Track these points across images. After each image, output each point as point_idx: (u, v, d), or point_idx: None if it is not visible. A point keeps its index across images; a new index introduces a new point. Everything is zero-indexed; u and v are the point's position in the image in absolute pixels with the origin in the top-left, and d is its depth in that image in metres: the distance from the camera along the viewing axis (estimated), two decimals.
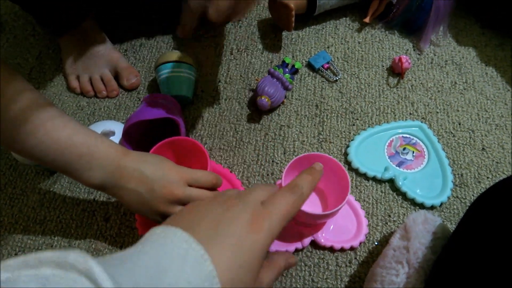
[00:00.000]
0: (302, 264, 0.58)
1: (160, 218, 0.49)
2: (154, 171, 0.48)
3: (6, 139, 0.46)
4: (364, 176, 0.66)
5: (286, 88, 0.71)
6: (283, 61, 0.73)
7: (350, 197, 0.62)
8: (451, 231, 0.51)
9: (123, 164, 0.48)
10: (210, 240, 0.29)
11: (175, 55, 0.71)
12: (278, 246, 0.58)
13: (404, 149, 0.68)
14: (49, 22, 0.74)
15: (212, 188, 0.51)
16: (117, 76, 0.76)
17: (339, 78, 0.77)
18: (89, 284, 0.21)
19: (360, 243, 0.59)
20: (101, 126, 0.64)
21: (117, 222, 0.62)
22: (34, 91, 0.47)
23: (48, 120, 0.46)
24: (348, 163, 0.67)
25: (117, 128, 0.67)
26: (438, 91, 0.76)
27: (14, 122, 0.44)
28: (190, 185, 0.49)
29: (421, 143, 0.69)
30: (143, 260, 0.26)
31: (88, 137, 0.48)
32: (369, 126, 0.71)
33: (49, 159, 0.46)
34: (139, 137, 0.65)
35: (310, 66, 0.79)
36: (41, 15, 0.73)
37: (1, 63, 0.45)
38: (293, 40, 0.83)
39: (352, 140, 0.69)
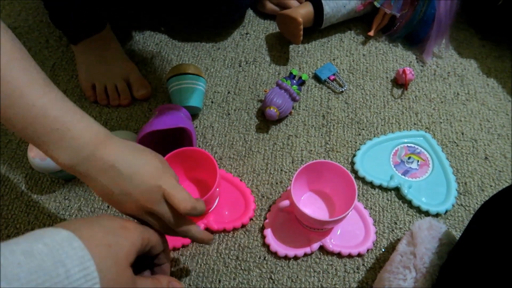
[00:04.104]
0: (311, 270, 0.60)
1: (130, 217, 0.47)
2: (133, 174, 0.43)
3: None
4: (371, 184, 0.67)
5: (294, 99, 0.73)
6: (290, 73, 0.76)
7: (359, 205, 0.64)
8: (456, 237, 0.53)
9: (99, 155, 0.43)
10: (81, 226, 0.36)
11: (185, 67, 0.73)
12: (287, 250, 0.60)
13: (409, 158, 0.70)
14: (69, 27, 0.76)
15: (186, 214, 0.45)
16: (128, 87, 0.79)
17: (345, 89, 0.79)
18: None
19: (368, 250, 0.61)
20: None
21: None
22: (23, 50, 0.43)
23: (27, 84, 0.41)
24: (354, 172, 0.69)
25: (131, 139, 0.69)
26: (441, 102, 0.78)
27: None
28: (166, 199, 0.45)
29: (425, 152, 0.71)
30: (12, 247, 0.31)
31: (66, 111, 0.42)
32: (374, 136, 0.73)
33: (19, 127, 0.41)
34: (152, 147, 0.66)
35: (316, 77, 0.81)
36: (62, 19, 0.75)
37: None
38: (300, 52, 0.85)
39: (358, 149, 0.71)
